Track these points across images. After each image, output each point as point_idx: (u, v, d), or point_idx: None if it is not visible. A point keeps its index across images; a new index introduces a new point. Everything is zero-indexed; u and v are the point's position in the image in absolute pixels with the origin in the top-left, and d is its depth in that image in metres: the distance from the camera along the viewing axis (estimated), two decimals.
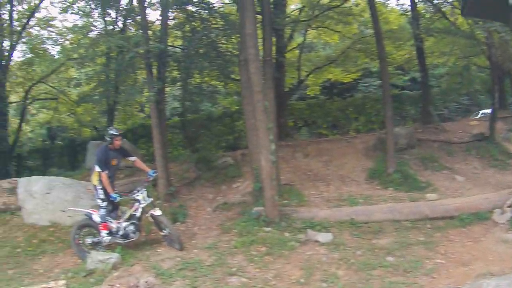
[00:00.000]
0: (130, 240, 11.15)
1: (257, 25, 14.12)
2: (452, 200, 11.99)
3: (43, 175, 17.88)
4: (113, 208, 11.59)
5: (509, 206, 10.50)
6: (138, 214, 11.15)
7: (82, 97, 25.79)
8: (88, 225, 11.55)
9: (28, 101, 28.64)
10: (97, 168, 11.04)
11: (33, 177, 14.83)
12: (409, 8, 22.08)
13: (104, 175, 10.86)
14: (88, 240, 11.44)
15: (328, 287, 7.95)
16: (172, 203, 14.50)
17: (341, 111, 26.83)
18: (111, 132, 11.21)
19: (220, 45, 18.32)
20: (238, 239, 10.93)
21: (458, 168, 16.88)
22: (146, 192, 11.19)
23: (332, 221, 11.38)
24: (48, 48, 25.43)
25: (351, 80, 28.97)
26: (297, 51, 25.18)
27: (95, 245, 11.39)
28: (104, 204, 11.18)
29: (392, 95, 17.26)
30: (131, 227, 11.13)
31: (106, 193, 11.04)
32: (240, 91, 15.33)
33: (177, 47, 19.72)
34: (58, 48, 26.35)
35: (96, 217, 11.23)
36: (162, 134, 15.59)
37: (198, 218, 13.93)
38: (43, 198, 13.47)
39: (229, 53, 18.40)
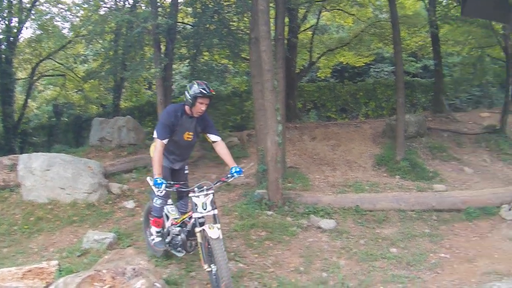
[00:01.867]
0: (177, 253, 7.96)
1: (271, 4, 13.94)
2: (460, 192, 11.74)
3: (48, 151, 17.79)
4: (178, 197, 8.40)
5: None
6: (188, 225, 7.47)
7: (89, 73, 25.74)
8: None
9: (34, 78, 28.67)
10: (155, 133, 7.48)
11: (34, 153, 14.63)
12: None
13: (161, 144, 7.31)
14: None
15: (328, 277, 7.69)
16: None
17: (351, 95, 26.76)
18: (197, 87, 7.14)
19: (232, 23, 18.11)
20: (238, 222, 10.73)
21: (466, 159, 16.68)
22: (211, 196, 7.09)
23: (336, 208, 11.19)
24: (58, 25, 25.32)
25: (363, 64, 28.98)
26: (310, 32, 25.13)
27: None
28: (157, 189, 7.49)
29: (404, 82, 17.01)
30: (178, 239, 7.73)
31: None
32: (249, 70, 15.09)
33: (187, 24, 19.60)
34: (67, 24, 26.24)
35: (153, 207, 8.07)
36: None
37: None
38: (43, 175, 13.26)
39: (240, 31, 18.19)
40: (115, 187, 13.81)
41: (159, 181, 6.97)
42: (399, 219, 10.50)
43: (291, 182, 13.64)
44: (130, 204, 12.81)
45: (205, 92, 7.08)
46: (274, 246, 9.35)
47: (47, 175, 13.18)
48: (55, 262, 7.05)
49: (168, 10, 16.79)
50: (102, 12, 19.52)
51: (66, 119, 31.46)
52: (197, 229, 6.87)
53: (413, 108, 25.31)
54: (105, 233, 10.04)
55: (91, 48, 24.47)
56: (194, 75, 18.67)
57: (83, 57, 24.44)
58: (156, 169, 7.17)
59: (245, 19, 17.44)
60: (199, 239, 6.91)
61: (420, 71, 31.08)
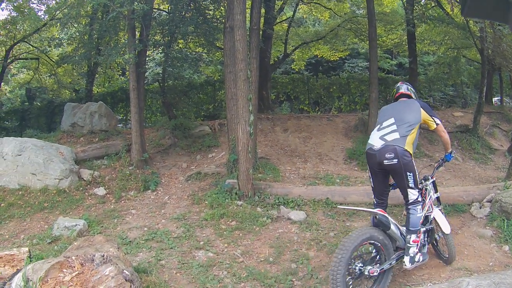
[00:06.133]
0: (415, 264, 6.71)
1: None
2: None
3: (20, 136, 17.46)
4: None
5: (488, 201, 10.31)
6: (432, 215, 7.20)
7: (62, 57, 25.39)
8: (372, 240, 6.40)
9: (8, 61, 28.01)
10: (434, 119, 7.33)
11: (5, 138, 14.39)
12: None
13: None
14: (358, 266, 6.28)
15: (297, 268, 7.66)
16: (144, 170, 14.22)
17: (324, 89, 26.86)
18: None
19: (208, 11, 17.93)
20: (208, 211, 10.71)
21: (438, 157, 16.62)
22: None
23: (306, 200, 11.18)
24: (33, 7, 24.77)
25: (338, 59, 29.39)
26: (286, 24, 25.14)
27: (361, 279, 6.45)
28: (419, 193, 6.83)
29: (378, 78, 17.06)
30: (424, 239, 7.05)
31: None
32: (223, 59, 15.03)
33: (162, 10, 19.39)
34: (43, 7, 25.72)
35: (415, 221, 6.68)
36: (140, 98, 15.23)
37: (170, 187, 13.65)
38: (14, 160, 13.09)
39: (215, 20, 18.03)
40: (86, 173, 13.66)
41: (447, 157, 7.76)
42: (369, 213, 10.37)
43: (262, 172, 13.54)
44: (100, 191, 12.69)
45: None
46: (244, 236, 9.34)
47: (19, 160, 13.00)
48: (25, 249, 7.01)
49: None
50: None
51: (39, 104, 30.94)
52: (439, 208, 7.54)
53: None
54: (76, 220, 9.98)
55: (66, 31, 24.14)
56: (168, 63, 18.62)
57: (57, 41, 24.15)
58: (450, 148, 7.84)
59: (221, 8, 17.36)
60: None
61: (395, 68, 31.39)
